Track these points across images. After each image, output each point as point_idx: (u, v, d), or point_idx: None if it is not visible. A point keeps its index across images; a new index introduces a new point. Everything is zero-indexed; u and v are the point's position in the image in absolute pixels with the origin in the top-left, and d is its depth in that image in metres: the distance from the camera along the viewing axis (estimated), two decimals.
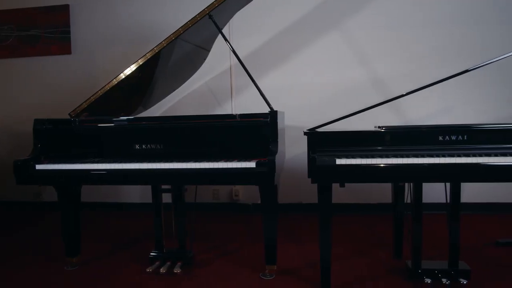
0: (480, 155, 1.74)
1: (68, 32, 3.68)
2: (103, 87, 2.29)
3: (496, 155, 1.74)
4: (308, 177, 1.83)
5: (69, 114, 2.34)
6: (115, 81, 2.28)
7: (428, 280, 1.96)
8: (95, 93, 2.29)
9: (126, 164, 2.06)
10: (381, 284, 2.05)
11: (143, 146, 2.17)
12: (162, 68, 2.58)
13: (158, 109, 3.49)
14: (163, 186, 2.37)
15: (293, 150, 3.34)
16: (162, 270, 2.19)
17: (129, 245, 2.77)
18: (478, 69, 2.00)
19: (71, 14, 3.68)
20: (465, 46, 3.27)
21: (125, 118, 2.25)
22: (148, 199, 2.43)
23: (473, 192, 3.35)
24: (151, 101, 2.88)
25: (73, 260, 2.37)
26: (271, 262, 2.17)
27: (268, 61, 3.48)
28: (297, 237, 2.85)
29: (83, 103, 2.30)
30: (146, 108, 2.90)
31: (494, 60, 1.95)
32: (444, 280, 1.95)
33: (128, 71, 2.27)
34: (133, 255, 2.56)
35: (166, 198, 2.39)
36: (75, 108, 2.32)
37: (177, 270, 2.19)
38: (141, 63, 2.25)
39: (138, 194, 3.76)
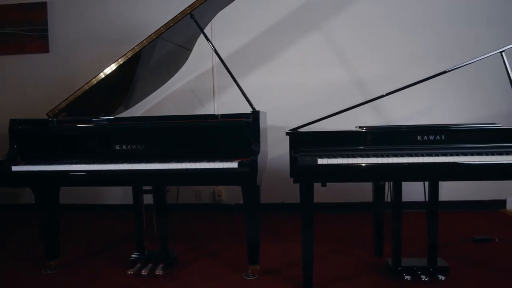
0: (457, 154, 1.79)
1: (46, 30, 3.60)
2: (82, 87, 2.24)
3: (472, 154, 1.79)
4: (290, 177, 1.84)
5: (46, 114, 2.29)
6: (94, 81, 2.24)
7: (408, 277, 2.00)
8: (74, 93, 2.24)
9: (106, 165, 2.03)
10: (362, 281, 2.08)
11: (124, 147, 2.14)
12: (143, 67, 2.55)
13: (139, 109, 3.44)
14: (145, 187, 2.34)
15: (275, 150, 3.35)
16: (143, 272, 2.16)
17: (110, 247, 2.73)
18: (456, 71, 2.05)
19: (48, 11, 3.60)
20: (443, 48, 3.35)
21: (105, 118, 2.21)
22: (129, 200, 2.39)
23: (450, 190, 3.44)
24: (132, 101, 2.85)
25: (52, 263, 2.32)
26: (254, 262, 2.17)
27: (250, 61, 3.49)
28: (280, 237, 2.86)
29: (61, 103, 2.25)
30: (127, 108, 2.86)
31: (470, 62, 2.01)
32: (423, 277, 1.99)
33: (108, 70, 2.24)
34: (114, 257, 2.52)
35: (148, 199, 2.36)
36: (53, 108, 2.27)
37: (159, 271, 2.16)
38: (121, 62, 2.22)
39: (119, 195, 3.70)
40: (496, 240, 2.64)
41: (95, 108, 2.55)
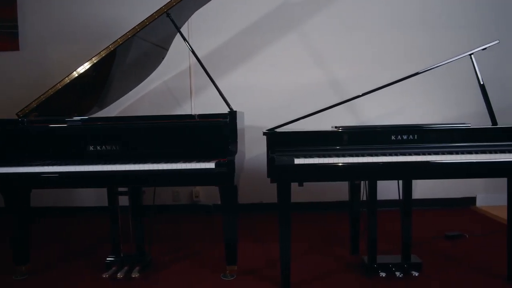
0: (430, 154, 1.84)
1: (16, 28, 3.48)
2: (54, 86, 2.18)
3: (443, 153, 1.85)
4: (268, 176, 1.85)
5: (16, 114, 2.21)
6: (67, 80, 2.18)
7: (383, 274, 2.05)
8: (45, 92, 2.17)
9: (80, 166, 1.98)
10: (338, 279, 2.11)
11: (98, 147, 2.10)
12: (118, 66, 2.50)
13: (115, 109, 3.38)
14: (120, 189, 2.29)
15: (253, 150, 3.36)
16: (119, 275, 2.12)
17: (84, 251, 2.66)
18: (428, 72, 2.11)
19: (18, 8, 3.48)
20: (417, 50, 3.44)
21: (78, 118, 2.15)
22: (104, 202, 2.34)
23: (424, 189, 3.54)
24: (107, 100, 2.79)
25: (22, 268, 2.24)
26: (232, 263, 2.16)
27: (228, 61, 3.48)
28: (258, 237, 2.87)
29: (32, 102, 2.18)
30: (101, 108, 2.80)
31: (441, 63, 2.07)
32: (397, 274, 2.04)
33: (81, 69, 2.18)
34: (88, 261, 2.46)
35: (124, 200, 2.31)
36: (23, 108, 2.20)
37: (135, 274, 2.13)
38: (95, 61, 2.17)
39: (93, 197, 3.61)
40: (467, 236, 2.73)
41: (68, 108, 2.49)
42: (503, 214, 2.03)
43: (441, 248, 2.53)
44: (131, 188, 2.26)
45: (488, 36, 3.31)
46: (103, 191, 2.31)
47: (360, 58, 3.46)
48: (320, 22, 3.44)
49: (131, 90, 2.88)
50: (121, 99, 2.90)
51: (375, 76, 3.41)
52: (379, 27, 3.44)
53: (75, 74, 2.18)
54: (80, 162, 2.02)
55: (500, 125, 2.02)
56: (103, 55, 2.16)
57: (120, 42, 2.15)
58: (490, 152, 1.85)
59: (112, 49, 2.16)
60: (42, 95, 2.18)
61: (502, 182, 2.01)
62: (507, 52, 3.43)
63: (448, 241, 2.66)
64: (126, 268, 2.18)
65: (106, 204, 2.29)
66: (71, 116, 2.21)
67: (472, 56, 2.06)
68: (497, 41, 2.11)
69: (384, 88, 2.06)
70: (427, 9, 3.42)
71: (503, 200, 2.03)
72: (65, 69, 2.49)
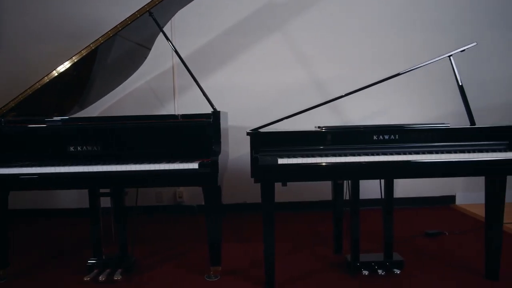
0: (410, 153, 1.88)
1: None
2: (33, 85, 2.13)
3: (424, 153, 1.88)
4: (251, 176, 1.85)
5: None
6: (46, 79, 2.13)
7: (366, 272, 2.07)
8: (24, 92, 2.12)
9: (60, 168, 1.94)
10: (322, 278, 2.13)
11: (79, 148, 2.06)
12: (99, 65, 2.46)
13: (96, 109, 3.32)
14: (102, 190, 2.26)
15: (237, 150, 3.36)
16: (101, 278, 2.08)
17: (65, 254, 2.61)
18: (409, 73, 2.15)
19: None
20: (398, 51, 3.50)
21: (59, 118, 2.11)
22: (86, 204, 2.30)
23: (405, 188, 3.60)
24: (88, 100, 2.74)
25: (1, 272, 2.18)
26: (216, 263, 2.16)
27: (211, 61, 3.47)
28: (242, 237, 2.87)
29: (10, 102, 2.12)
30: (82, 107, 2.75)
31: (422, 64, 2.11)
32: (380, 271, 2.07)
33: (61, 68, 2.14)
34: (69, 264, 2.41)
35: (106, 202, 2.28)
36: (1, 108, 2.14)
37: (117, 277, 2.10)
38: (75, 60, 2.13)
39: (75, 199, 3.55)
40: (446, 233, 2.79)
41: (48, 108, 2.44)
42: (481, 212, 2.08)
43: (422, 245, 2.58)
44: (113, 189, 2.23)
45: (467, 38, 3.40)
46: (85, 192, 2.27)
47: (344, 58, 3.49)
48: (304, 23, 3.46)
49: (113, 89, 2.84)
50: (103, 99, 2.85)
51: (358, 77, 3.44)
52: (362, 28, 3.48)
53: (54, 73, 2.13)
54: (61, 163, 1.98)
55: (478, 125, 2.07)
56: (84, 54, 2.13)
57: (102, 41, 2.12)
58: (469, 151, 1.90)
59: (93, 48, 2.12)
60: (20, 94, 2.12)
61: (481, 180, 2.06)
62: (485, 54, 3.52)
63: (429, 239, 2.71)
64: (108, 270, 2.15)
65: (88, 206, 2.25)
66: (51, 116, 2.17)
67: (451, 57, 2.10)
68: (475, 43, 2.16)
69: (367, 89, 2.09)
70: (410, 12, 3.48)
71: (481, 199, 2.08)
72: (45, 68, 2.44)
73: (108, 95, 2.85)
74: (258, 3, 3.43)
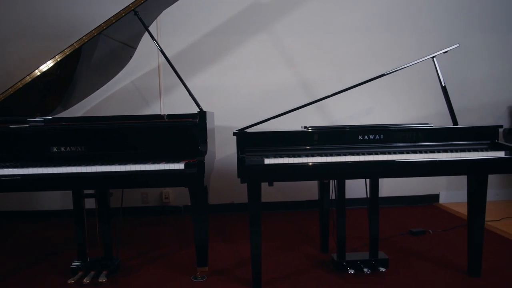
0: (395, 153, 1.90)
1: None
2: (15, 85, 2.08)
3: (408, 152, 1.91)
4: (238, 177, 1.85)
5: None
6: (29, 78, 2.08)
7: (352, 271, 2.09)
8: (5, 91, 2.07)
9: (43, 169, 1.90)
10: (308, 277, 2.14)
11: (63, 149, 2.03)
12: (83, 65, 2.42)
13: (80, 109, 3.28)
14: (86, 191, 2.23)
15: (224, 150, 3.35)
16: (85, 280, 2.05)
17: (49, 256, 2.56)
18: (394, 74, 2.18)
19: None
20: (384, 52, 3.54)
21: (41, 118, 2.07)
22: (70, 205, 2.26)
23: (390, 187, 3.64)
24: (71, 100, 2.70)
25: None
26: (203, 264, 2.15)
27: (198, 61, 3.45)
28: (229, 237, 2.86)
29: None
30: (66, 107, 2.71)
31: (406, 65, 2.15)
32: (365, 270, 2.09)
33: (44, 67, 2.10)
34: (53, 267, 2.37)
35: (90, 203, 2.25)
36: None
37: (102, 279, 2.07)
38: (59, 59, 2.09)
39: (58, 200, 3.49)
40: (430, 232, 2.84)
41: (30, 108, 2.39)
42: (464, 210, 2.12)
43: (406, 244, 2.62)
44: (97, 190, 2.20)
45: (451, 40, 3.47)
46: (69, 193, 2.23)
47: (330, 59, 3.52)
48: (290, 23, 3.47)
49: (97, 89, 2.80)
50: (87, 98, 2.81)
51: (344, 77, 3.48)
52: (348, 29, 3.51)
53: (37, 72, 2.09)
54: (44, 164, 1.94)
55: (460, 125, 2.11)
56: (67, 53, 2.09)
57: (85, 40, 2.08)
58: (452, 151, 1.93)
59: (76, 47, 2.09)
60: (1, 94, 2.08)
61: (463, 179, 2.10)
62: (468, 55, 3.59)
63: (413, 237, 2.75)
64: (92, 273, 2.12)
65: (72, 208, 2.22)
66: (34, 116, 2.13)
67: (435, 58, 2.14)
68: (457, 45, 2.20)
69: (353, 89, 2.11)
70: (395, 13, 3.53)
71: (464, 197, 2.12)
72: (27, 68, 2.39)
73: (92, 94, 2.81)
74: (244, 3, 3.43)
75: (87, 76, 2.60)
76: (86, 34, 2.09)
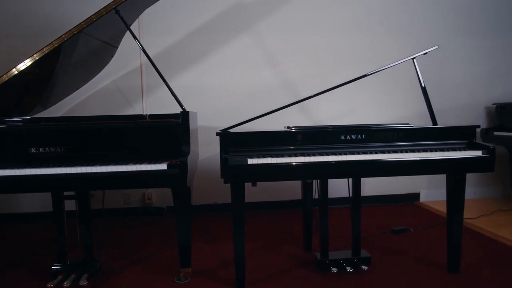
0: (376, 153, 1.93)
1: None
2: None
3: (389, 152, 1.94)
4: (221, 177, 1.84)
5: None
6: (5, 77, 2.03)
7: (335, 270, 2.11)
8: None
9: (21, 170, 1.85)
10: (292, 277, 2.15)
11: (42, 150, 1.98)
12: (63, 64, 2.37)
13: (60, 109, 3.21)
14: (66, 193, 2.18)
15: (207, 151, 3.33)
16: (66, 284, 2.01)
17: (28, 260, 2.50)
18: (377, 75, 2.21)
19: None
20: (366, 52, 3.58)
21: (19, 118, 2.02)
22: (50, 207, 2.21)
23: (372, 186, 3.69)
24: (51, 100, 2.64)
25: None
26: (186, 265, 2.13)
27: (181, 61, 3.42)
28: (213, 237, 2.85)
29: None
30: (45, 107, 2.65)
31: (387, 66, 2.18)
32: (348, 268, 2.11)
33: (22, 66, 2.04)
34: (32, 270, 2.31)
35: (70, 205, 2.21)
36: None
37: (83, 282, 2.03)
38: (37, 58, 2.04)
39: (38, 202, 3.40)
40: (411, 230, 2.89)
41: (8, 108, 2.32)
42: (444, 209, 2.17)
43: (388, 242, 2.66)
44: (78, 192, 2.16)
45: (432, 41, 3.54)
46: (48, 195, 2.18)
47: (313, 59, 3.54)
48: (273, 23, 3.48)
49: (78, 89, 2.75)
50: (67, 98, 2.75)
51: (327, 77, 3.51)
52: (331, 30, 3.54)
53: (14, 71, 2.04)
54: (21, 166, 1.89)
55: (440, 125, 2.16)
56: (46, 52, 2.04)
57: (65, 39, 2.04)
58: (431, 150, 1.97)
59: (56, 45, 2.04)
60: None
61: (443, 178, 2.15)
62: (447, 57, 3.67)
63: (395, 236, 2.80)
64: (73, 276, 2.08)
65: (52, 210, 2.17)
66: (11, 116, 2.07)
67: (415, 60, 2.18)
68: (436, 47, 2.25)
69: (335, 90, 2.13)
70: (377, 14, 3.58)
71: (444, 196, 2.17)
72: (4, 66, 2.33)
73: (73, 94, 2.75)
74: (228, 2, 3.42)
75: (67, 75, 2.55)
76: (66, 33, 2.05)
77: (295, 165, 1.85)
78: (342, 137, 1.98)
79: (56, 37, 2.05)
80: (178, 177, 1.89)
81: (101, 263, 2.27)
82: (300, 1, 3.49)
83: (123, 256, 2.52)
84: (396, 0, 3.58)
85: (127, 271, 2.28)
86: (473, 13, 3.68)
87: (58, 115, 3.17)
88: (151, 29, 3.35)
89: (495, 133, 3.42)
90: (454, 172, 2.05)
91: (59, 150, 1.99)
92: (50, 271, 2.13)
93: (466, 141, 2.05)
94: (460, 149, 1.99)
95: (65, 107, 3.25)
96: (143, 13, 2.69)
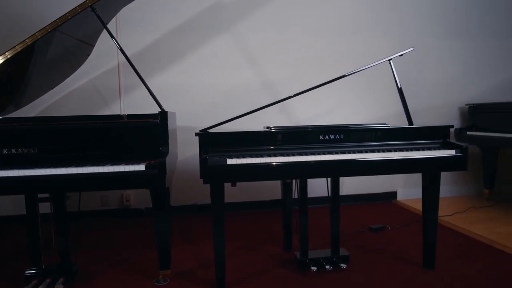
0: (354, 152, 1.96)
1: None
2: None
3: (366, 151, 1.97)
4: (200, 177, 1.83)
5: None
6: None
7: (314, 268, 2.13)
8: None
9: None
10: (273, 276, 2.15)
11: (14, 151, 1.92)
12: (37, 62, 2.30)
13: (34, 109, 3.13)
14: (41, 195, 2.12)
15: (187, 151, 3.31)
16: None
17: (1, 265, 2.42)
18: (355, 76, 2.24)
19: None
20: (345, 53, 3.63)
21: None
22: (23, 210, 2.15)
23: (350, 185, 3.75)
24: (24, 99, 2.56)
25: None
26: (165, 267, 2.11)
27: (159, 60, 3.38)
28: (193, 239, 2.83)
29: None
30: (18, 107, 2.56)
31: (365, 67, 2.21)
32: (327, 267, 2.13)
33: None
34: (5, 276, 2.24)
35: (45, 207, 2.15)
36: None
37: (58, 287, 1.98)
38: (9, 56, 1.98)
39: (11, 205, 3.30)
40: (389, 228, 2.95)
41: None
42: (420, 207, 2.22)
43: (366, 240, 2.70)
44: (53, 194, 2.10)
45: (409, 43, 3.62)
46: (22, 198, 2.12)
47: (292, 59, 3.56)
48: (253, 23, 3.49)
49: (52, 88, 2.67)
50: (41, 97, 2.68)
51: (306, 78, 3.54)
52: (310, 30, 3.57)
53: None
54: None
55: (415, 125, 2.21)
56: (19, 50, 1.98)
57: (38, 36, 1.99)
58: (407, 150, 2.02)
59: (29, 43, 1.99)
60: None
61: (419, 177, 2.20)
62: (422, 58, 3.76)
63: (372, 233, 2.85)
64: (48, 280, 2.03)
65: (25, 212, 2.11)
66: None
67: (391, 61, 2.22)
68: (412, 48, 2.30)
69: (315, 90, 2.15)
70: (355, 16, 3.63)
71: (420, 194, 2.22)
72: None
73: (47, 94, 2.68)
74: (207, 2, 3.41)
75: (41, 74, 2.48)
76: (40, 30, 1.99)
77: (274, 165, 1.86)
78: (321, 137, 2.01)
79: (30, 35, 2.00)
80: (157, 177, 1.87)
81: (78, 266, 2.23)
82: (280, 2, 3.51)
83: (101, 259, 2.47)
84: (374, 2, 3.64)
85: (105, 275, 2.23)
86: (446, 15, 3.79)
87: (32, 115, 3.09)
88: (129, 28, 3.30)
89: (468, 133, 3.53)
90: (429, 171, 2.10)
91: (33, 151, 1.93)
92: (24, 276, 2.06)
93: (440, 141, 2.11)
94: (434, 149, 2.05)
95: (39, 107, 3.17)
96: (120, 11, 2.65)
